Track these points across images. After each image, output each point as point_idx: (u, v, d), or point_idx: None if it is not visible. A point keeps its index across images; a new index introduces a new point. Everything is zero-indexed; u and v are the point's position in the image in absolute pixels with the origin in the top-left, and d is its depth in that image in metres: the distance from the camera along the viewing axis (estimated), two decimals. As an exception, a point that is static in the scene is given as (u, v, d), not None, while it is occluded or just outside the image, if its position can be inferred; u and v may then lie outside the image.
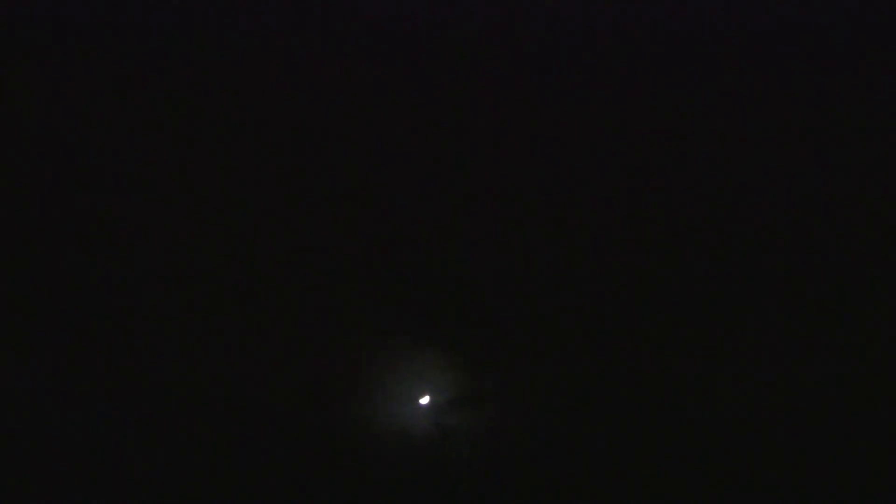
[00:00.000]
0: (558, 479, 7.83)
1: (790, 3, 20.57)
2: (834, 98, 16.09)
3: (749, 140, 15.71)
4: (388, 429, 8.58)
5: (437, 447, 8.18)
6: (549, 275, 12.16)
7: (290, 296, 11.60)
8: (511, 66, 17.13)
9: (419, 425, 8.59)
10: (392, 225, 13.52)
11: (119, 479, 7.69)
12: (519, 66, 17.11)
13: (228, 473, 7.68)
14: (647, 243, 12.90)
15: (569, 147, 15.44)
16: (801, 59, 18.02)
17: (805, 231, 12.51)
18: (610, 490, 7.70)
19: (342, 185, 14.90)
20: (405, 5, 21.33)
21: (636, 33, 19.62)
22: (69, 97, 16.40)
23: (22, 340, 9.96)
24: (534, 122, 16.55)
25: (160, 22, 19.79)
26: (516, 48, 19.41)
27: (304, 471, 7.82)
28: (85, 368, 9.38)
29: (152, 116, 15.74)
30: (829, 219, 12.80)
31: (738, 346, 10.19)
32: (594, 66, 17.20)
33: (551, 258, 12.64)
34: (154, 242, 12.60)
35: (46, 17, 19.51)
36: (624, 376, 9.62)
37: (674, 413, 8.70)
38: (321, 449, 8.11)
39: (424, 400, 9.00)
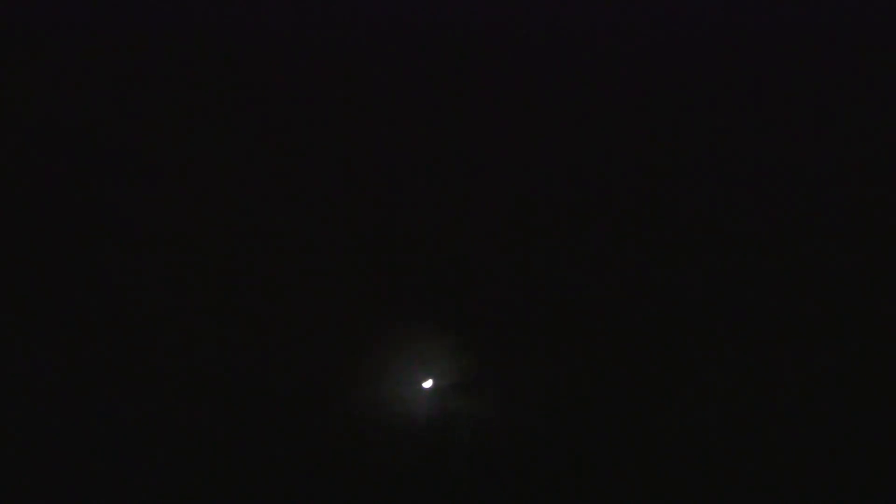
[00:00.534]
0: (559, 462, 7.92)
1: (790, 3, 20.61)
2: (834, 98, 16.07)
3: (749, 140, 15.70)
4: (392, 411, 8.71)
5: (439, 430, 8.28)
6: (552, 263, 12.20)
7: (297, 283, 11.64)
8: (511, 66, 17.14)
9: (422, 408, 8.72)
10: (397, 213, 13.55)
11: (134, 457, 7.73)
12: (519, 66, 17.12)
13: (237, 457, 7.74)
14: (644, 226, 12.91)
15: (569, 140, 15.45)
16: (801, 59, 18.00)
17: (805, 231, 12.52)
18: (609, 472, 7.76)
19: (347, 174, 14.89)
20: (405, 5, 21.31)
21: (636, 33, 19.59)
22: (69, 97, 16.39)
23: (22, 340, 9.98)
24: (530, 112, 16.55)
25: (160, 22, 19.74)
26: (516, 48, 19.38)
27: (312, 452, 7.93)
28: (85, 364, 9.41)
29: (152, 116, 15.73)
30: (830, 218, 12.80)
31: (737, 331, 10.22)
32: (594, 66, 17.19)
33: (553, 247, 12.67)
34: (159, 232, 12.61)
35: (46, 17, 19.45)
36: (624, 362, 9.71)
37: (672, 398, 8.76)
38: (327, 431, 8.22)
39: (428, 384, 9.15)
